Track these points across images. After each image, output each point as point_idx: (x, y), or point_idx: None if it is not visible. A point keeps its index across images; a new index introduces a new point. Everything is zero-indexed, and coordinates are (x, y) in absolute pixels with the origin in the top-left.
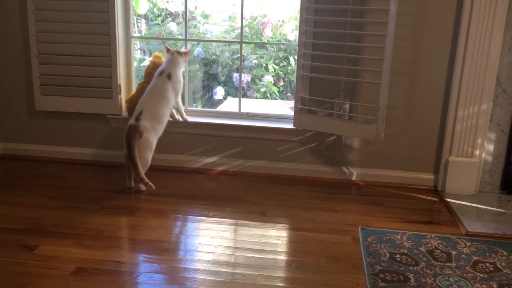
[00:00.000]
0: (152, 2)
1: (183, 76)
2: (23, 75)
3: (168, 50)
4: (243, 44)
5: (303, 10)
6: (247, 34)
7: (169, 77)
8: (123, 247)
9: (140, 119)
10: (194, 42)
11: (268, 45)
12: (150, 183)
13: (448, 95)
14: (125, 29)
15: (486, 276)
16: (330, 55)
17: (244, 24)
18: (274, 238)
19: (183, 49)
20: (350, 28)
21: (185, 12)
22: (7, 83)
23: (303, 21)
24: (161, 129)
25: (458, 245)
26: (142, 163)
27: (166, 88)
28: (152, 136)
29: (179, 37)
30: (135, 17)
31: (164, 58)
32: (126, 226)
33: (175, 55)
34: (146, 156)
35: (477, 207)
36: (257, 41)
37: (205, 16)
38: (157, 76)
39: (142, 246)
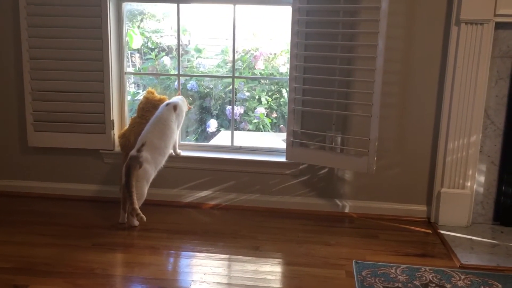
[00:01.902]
0: (146, 37)
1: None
2: (16, 111)
3: (179, 95)
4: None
5: (293, 45)
6: (239, 67)
7: (174, 108)
8: (115, 285)
9: (142, 150)
10: (187, 76)
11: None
12: (142, 214)
13: (438, 127)
14: (119, 65)
15: None
16: (321, 89)
17: (236, 57)
18: (268, 273)
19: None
20: (340, 63)
21: (178, 48)
22: (0, 119)
23: (293, 56)
24: (162, 161)
25: (453, 278)
26: (138, 194)
27: (170, 118)
28: (152, 167)
29: (173, 71)
30: (129, 52)
31: (156, 93)
32: (118, 263)
33: (184, 99)
34: (142, 187)
35: (471, 238)
36: (249, 74)
37: (198, 50)
38: (163, 107)
39: (134, 284)
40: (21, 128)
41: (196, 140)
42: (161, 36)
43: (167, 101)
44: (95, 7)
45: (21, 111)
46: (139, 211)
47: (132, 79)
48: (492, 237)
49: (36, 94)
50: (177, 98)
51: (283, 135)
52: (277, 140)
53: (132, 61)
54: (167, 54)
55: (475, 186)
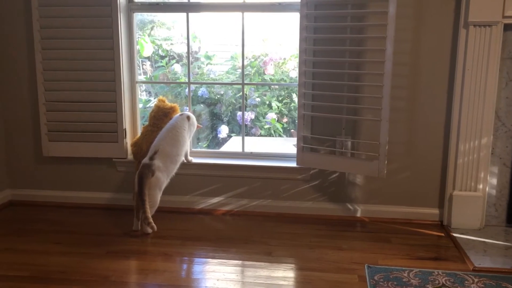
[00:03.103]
0: (157, 45)
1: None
2: (30, 122)
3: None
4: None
5: (302, 51)
6: (249, 73)
7: (188, 118)
8: None
9: (154, 158)
10: (197, 84)
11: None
12: (153, 224)
13: (449, 129)
14: (130, 74)
15: None
16: (330, 94)
17: (246, 63)
18: (281, 279)
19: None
20: (349, 68)
21: (188, 57)
22: (15, 130)
23: (302, 62)
24: (174, 169)
25: (466, 281)
26: (151, 202)
27: (183, 127)
28: (164, 175)
29: (184, 78)
30: (140, 60)
31: (167, 101)
32: (132, 270)
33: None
34: (155, 195)
35: (484, 241)
36: (259, 80)
37: (208, 57)
38: (177, 116)
39: None
40: (36, 138)
41: (208, 146)
42: (172, 44)
43: (181, 113)
44: (106, 18)
45: (35, 121)
46: (151, 220)
47: (143, 86)
48: (505, 240)
49: (50, 105)
50: (190, 113)
51: (294, 140)
52: (288, 145)
53: (143, 68)
54: (177, 62)
55: (487, 189)
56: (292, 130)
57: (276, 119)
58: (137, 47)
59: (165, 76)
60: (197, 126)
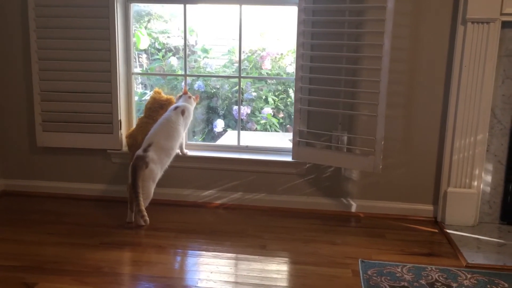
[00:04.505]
0: (153, 38)
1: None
2: (25, 112)
3: (186, 93)
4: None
5: (299, 45)
6: (246, 68)
7: (182, 112)
8: (123, 283)
9: (148, 150)
10: (194, 76)
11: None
12: (146, 217)
13: (444, 126)
14: (126, 66)
15: None
16: (327, 88)
17: (243, 57)
18: (274, 272)
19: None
20: (346, 63)
21: (185, 48)
22: (9, 120)
23: (299, 56)
24: (167, 161)
25: (459, 277)
26: (144, 194)
27: (178, 122)
28: (158, 167)
29: (180, 71)
30: (136, 52)
31: (163, 94)
32: (125, 261)
33: (192, 98)
34: (149, 186)
35: (477, 238)
36: (256, 74)
37: (205, 51)
38: (172, 110)
39: (141, 282)
40: (30, 128)
41: (203, 140)
42: (168, 37)
43: (176, 104)
44: (103, 8)
45: (30, 111)
46: (144, 212)
47: (139, 79)
48: (499, 237)
49: (45, 95)
50: (185, 99)
51: (290, 135)
52: (284, 140)
53: (139, 61)
54: (174, 55)
55: (482, 186)
56: (288, 126)
57: (272, 114)
58: (133, 39)
59: (161, 69)
60: (196, 97)
